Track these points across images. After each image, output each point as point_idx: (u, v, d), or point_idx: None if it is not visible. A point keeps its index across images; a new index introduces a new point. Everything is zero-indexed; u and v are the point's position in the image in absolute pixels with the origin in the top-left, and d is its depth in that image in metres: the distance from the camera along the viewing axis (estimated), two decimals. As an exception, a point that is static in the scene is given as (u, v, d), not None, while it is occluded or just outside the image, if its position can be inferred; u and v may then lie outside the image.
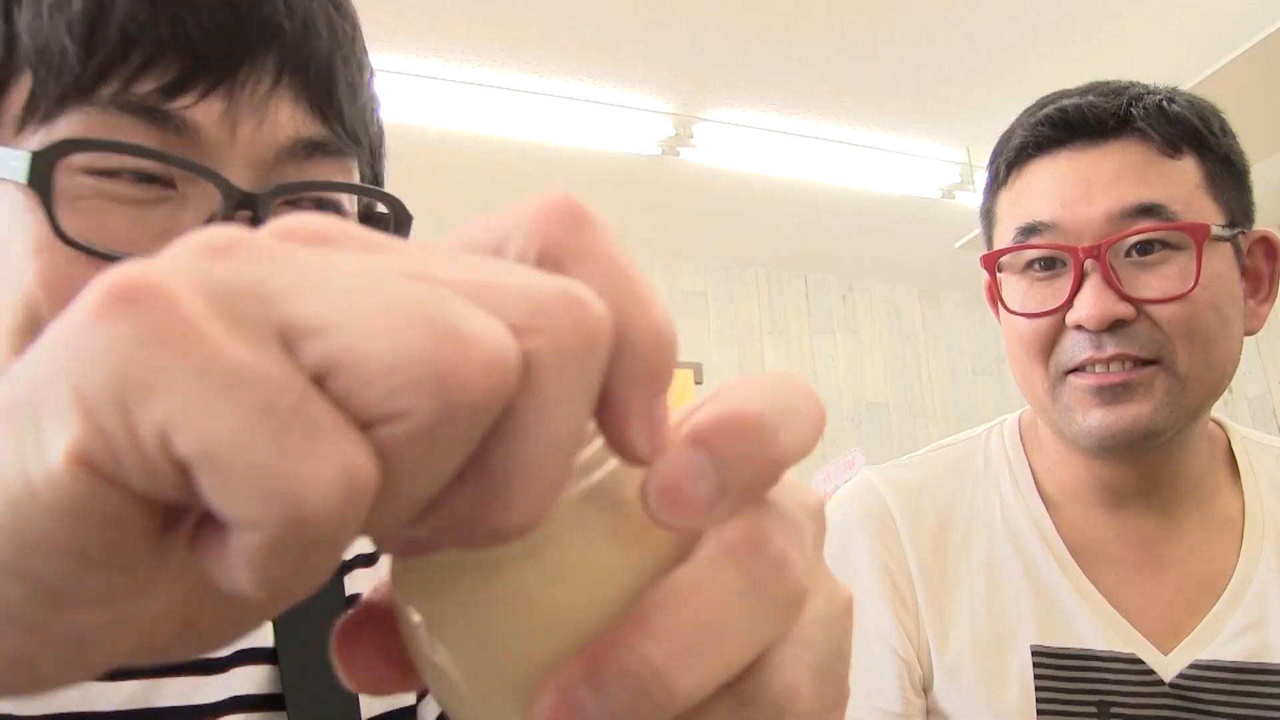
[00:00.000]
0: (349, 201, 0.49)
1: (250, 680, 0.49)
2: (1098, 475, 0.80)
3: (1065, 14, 2.52)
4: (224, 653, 0.48)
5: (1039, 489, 0.83)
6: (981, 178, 0.88)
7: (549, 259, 0.19)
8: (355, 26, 0.49)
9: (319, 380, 0.16)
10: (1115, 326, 0.73)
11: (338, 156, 0.47)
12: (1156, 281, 0.73)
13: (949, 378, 4.33)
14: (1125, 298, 0.72)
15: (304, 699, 0.48)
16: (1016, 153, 0.79)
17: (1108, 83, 0.80)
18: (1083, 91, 0.79)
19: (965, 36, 2.60)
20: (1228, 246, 0.76)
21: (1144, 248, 0.73)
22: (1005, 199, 0.81)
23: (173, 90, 0.42)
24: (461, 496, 0.17)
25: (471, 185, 3.23)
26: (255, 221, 0.42)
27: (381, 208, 0.51)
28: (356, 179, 0.49)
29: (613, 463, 0.21)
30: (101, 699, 0.45)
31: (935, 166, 3.22)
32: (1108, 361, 0.73)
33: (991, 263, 0.81)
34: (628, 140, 3.00)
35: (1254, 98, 2.35)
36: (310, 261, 0.16)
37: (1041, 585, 0.79)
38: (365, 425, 0.16)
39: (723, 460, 0.19)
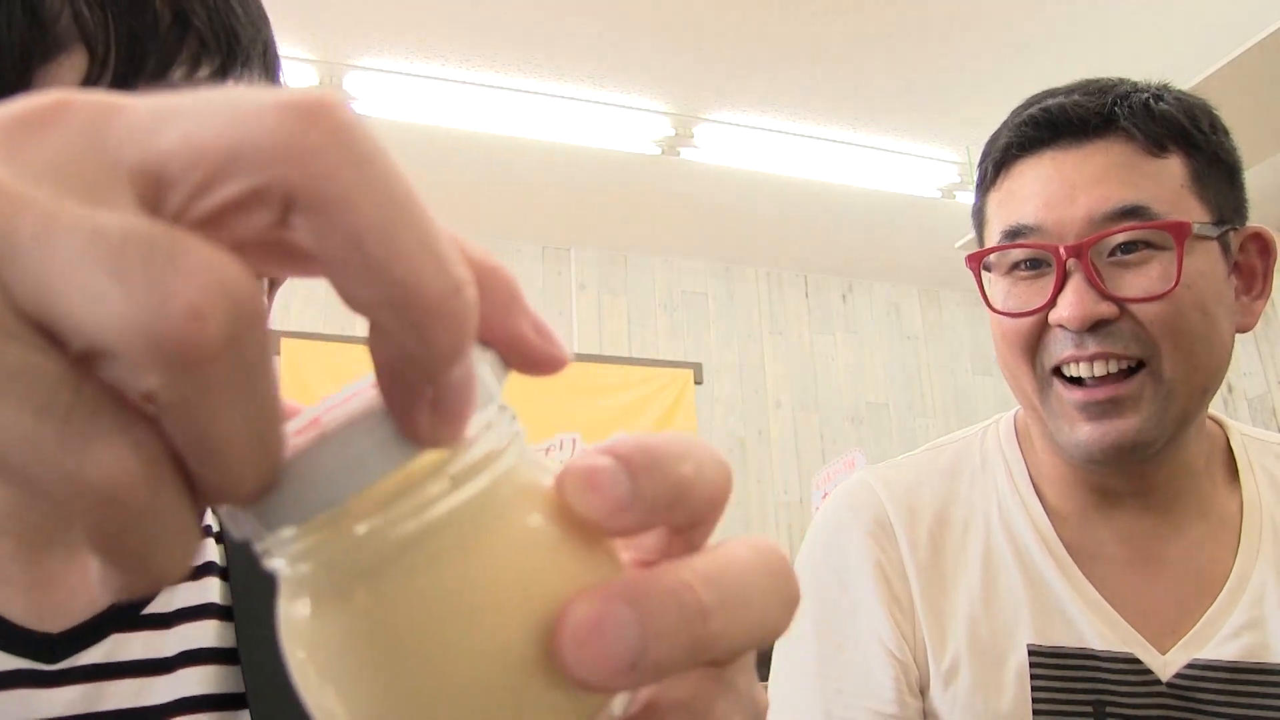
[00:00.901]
0: None
1: (199, 681, 0.48)
2: (1089, 479, 0.79)
3: (1065, 14, 2.52)
4: (168, 654, 0.48)
5: (1035, 488, 0.82)
6: (980, 178, 0.88)
7: (296, 198, 0.16)
8: None
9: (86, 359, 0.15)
10: (1097, 326, 0.72)
11: None
12: (1139, 280, 0.72)
13: (949, 378, 4.33)
14: (1107, 296, 0.72)
15: (267, 699, 0.48)
16: (1002, 153, 0.79)
17: (1096, 81, 0.79)
18: (1069, 90, 0.78)
19: (965, 37, 2.60)
20: (1214, 244, 0.75)
21: (1127, 247, 0.73)
22: (994, 200, 0.81)
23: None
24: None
25: (474, 184, 3.23)
26: None
27: None
28: None
29: (500, 465, 0.20)
30: (43, 705, 0.44)
31: (935, 166, 3.22)
32: (1091, 360, 0.73)
33: (976, 263, 0.81)
34: (628, 140, 3.00)
35: (1254, 98, 2.34)
36: (27, 207, 0.15)
37: (1039, 584, 0.78)
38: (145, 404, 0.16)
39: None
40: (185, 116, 0.16)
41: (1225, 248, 0.76)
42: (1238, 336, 0.78)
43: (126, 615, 0.48)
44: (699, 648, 0.19)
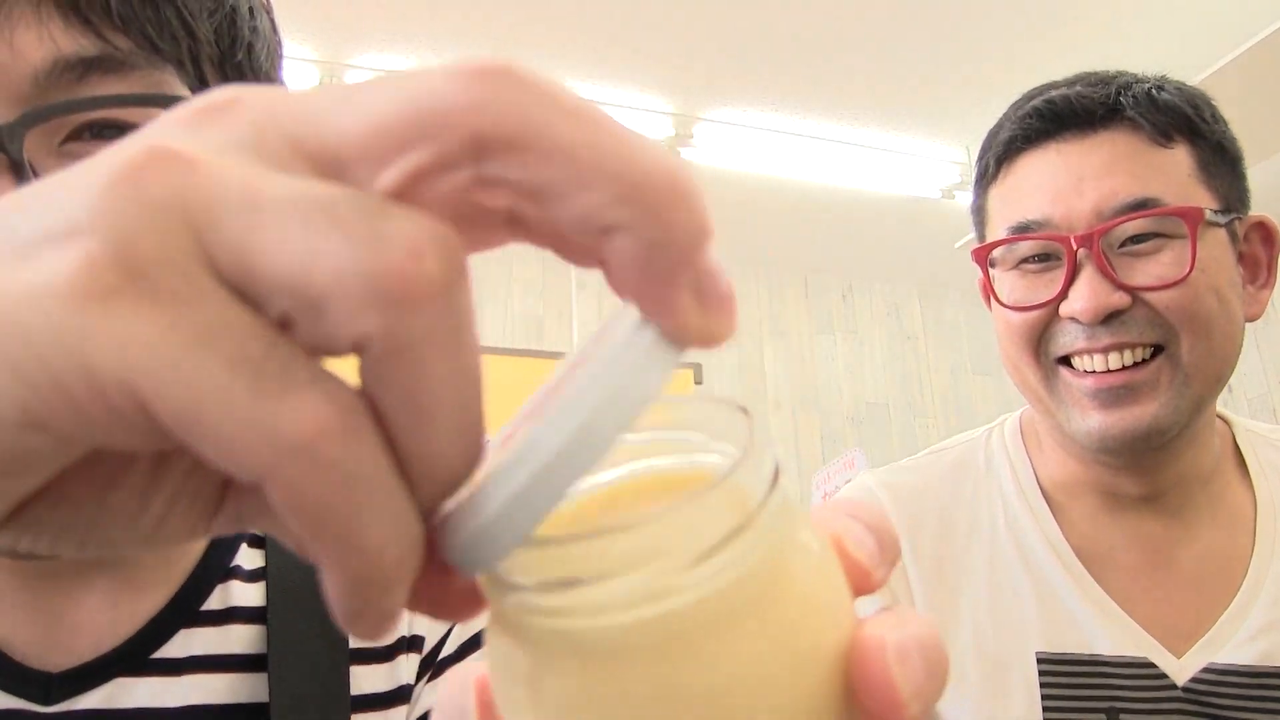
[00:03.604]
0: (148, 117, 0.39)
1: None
2: (1099, 479, 0.78)
3: (1065, 14, 2.52)
4: (171, 704, 0.45)
5: (1042, 491, 0.81)
6: (981, 176, 0.87)
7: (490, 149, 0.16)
8: None
9: (283, 323, 0.15)
10: (1110, 318, 0.71)
11: (125, 72, 0.40)
12: (1153, 268, 0.71)
13: (949, 378, 4.32)
14: (1121, 286, 0.71)
15: (289, 705, 0.46)
16: (1005, 147, 0.78)
17: (1094, 73, 0.78)
18: (1070, 82, 0.77)
19: (965, 36, 2.60)
20: (1223, 232, 0.74)
21: (1138, 238, 0.72)
22: (995, 194, 0.80)
23: None
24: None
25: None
26: (12, 161, 0.37)
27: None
28: (182, 91, 0.42)
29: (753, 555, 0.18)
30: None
31: (935, 166, 3.21)
32: (1105, 352, 0.72)
33: (982, 257, 0.80)
34: (627, 140, 2.99)
35: (1255, 97, 2.34)
36: (226, 178, 0.15)
37: (1047, 589, 0.77)
38: (349, 352, 0.16)
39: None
40: (358, 98, 0.16)
41: (1233, 236, 0.76)
42: None
43: (135, 657, 0.45)
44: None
